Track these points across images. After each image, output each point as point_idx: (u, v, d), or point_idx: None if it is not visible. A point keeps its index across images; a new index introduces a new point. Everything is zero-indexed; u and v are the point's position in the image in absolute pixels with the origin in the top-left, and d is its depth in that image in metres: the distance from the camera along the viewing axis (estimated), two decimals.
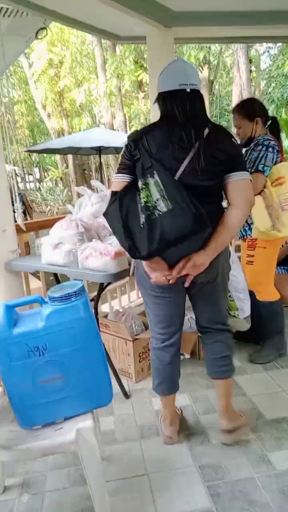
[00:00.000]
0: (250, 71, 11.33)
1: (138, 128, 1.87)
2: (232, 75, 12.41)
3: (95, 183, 2.70)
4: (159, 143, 1.52)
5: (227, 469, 1.68)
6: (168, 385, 1.82)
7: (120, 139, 7.28)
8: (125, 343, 2.38)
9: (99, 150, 7.56)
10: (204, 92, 12.59)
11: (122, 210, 1.48)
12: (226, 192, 1.57)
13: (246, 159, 2.30)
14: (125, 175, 1.56)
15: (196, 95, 1.59)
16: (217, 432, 1.89)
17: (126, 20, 3.28)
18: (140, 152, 1.51)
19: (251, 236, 2.41)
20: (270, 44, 11.48)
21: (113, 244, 2.08)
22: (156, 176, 1.45)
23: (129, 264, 1.91)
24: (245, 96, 10.67)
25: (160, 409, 2.02)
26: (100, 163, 8.71)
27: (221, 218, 1.56)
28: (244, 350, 2.68)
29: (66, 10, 3.31)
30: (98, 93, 13.58)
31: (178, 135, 1.52)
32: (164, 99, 1.59)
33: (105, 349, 2.21)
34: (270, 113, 2.59)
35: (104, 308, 3.40)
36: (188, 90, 1.56)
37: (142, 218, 1.43)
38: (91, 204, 2.35)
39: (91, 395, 1.38)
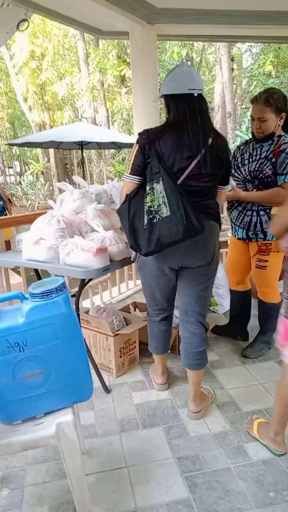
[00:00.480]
0: (232, 69, 11.42)
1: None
2: (214, 72, 12.47)
3: (77, 178, 2.70)
4: (170, 148, 1.67)
5: (205, 460, 1.73)
6: (162, 347, 2.19)
7: (102, 134, 7.25)
8: (106, 339, 2.40)
9: (81, 145, 7.50)
10: None
11: (130, 211, 1.71)
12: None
13: (275, 160, 2.20)
14: (136, 176, 1.74)
15: (203, 100, 1.72)
16: (196, 424, 1.95)
17: (109, 16, 3.27)
18: (152, 156, 1.67)
19: (263, 240, 2.37)
20: (252, 43, 11.59)
21: (95, 240, 2.10)
22: (161, 182, 1.63)
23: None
24: (227, 94, 10.75)
25: (141, 402, 2.15)
26: (82, 157, 8.63)
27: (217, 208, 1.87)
28: (222, 344, 2.75)
29: (48, 2, 3.28)
30: (81, 87, 13.43)
31: (188, 141, 1.67)
32: (174, 102, 1.70)
33: (86, 345, 2.24)
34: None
35: (85, 303, 3.41)
36: (196, 94, 1.67)
37: (145, 220, 1.65)
38: (73, 200, 2.35)
39: (72, 390, 1.39)
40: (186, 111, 1.67)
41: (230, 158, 1.86)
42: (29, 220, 2.49)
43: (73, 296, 2.34)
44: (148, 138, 1.70)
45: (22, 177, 20.43)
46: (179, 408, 2.11)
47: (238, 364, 2.52)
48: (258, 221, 2.34)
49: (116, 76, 11.91)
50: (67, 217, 2.20)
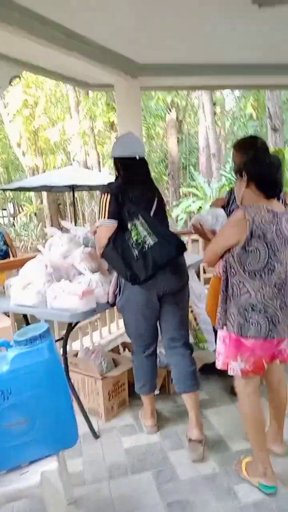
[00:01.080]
0: (215, 112, 12.02)
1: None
2: (199, 115, 13.10)
3: (65, 223, 2.80)
4: (136, 195, 2.03)
5: (195, 504, 1.71)
6: (149, 386, 2.22)
7: (92, 177, 7.51)
8: (94, 382, 2.41)
9: (72, 188, 7.73)
10: (173, 131, 13.21)
11: (117, 250, 1.93)
12: None
13: None
14: (113, 220, 2.00)
15: (144, 162, 2.17)
16: (186, 467, 1.93)
17: (94, 71, 3.51)
18: (125, 201, 1.99)
19: None
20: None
21: (82, 283, 2.16)
22: (140, 218, 1.94)
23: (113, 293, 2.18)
24: (210, 136, 11.26)
25: (130, 446, 2.14)
26: (73, 200, 8.86)
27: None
28: (212, 383, 2.74)
29: (38, 61, 3.53)
30: (72, 132, 13.98)
31: (146, 191, 2.11)
32: (121, 163, 2.09)
33: (73, 389, 2.25)
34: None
35: (75, 345, 3.41)
36: (137, 157, 2.08)
37: (136, 252, 1.89)
38: (61, 244, 2.43)
39: (57, 438, 1.40)
40: (133, 170, 2.09)
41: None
42: (19, 264, 2.56)
43: (61, 339, 2.38)
44: (118, 188, 2.04)
45: (15, 218, 20.71)
46: (169, 451, 2.09)
47: (229, 402, 2.51)
48: None
49: (105, 122, 12.44)
50: (55, 261, 2.27)
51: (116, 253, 1.94)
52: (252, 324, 1.66)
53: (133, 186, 2.05)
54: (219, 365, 1.81)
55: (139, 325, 2.12)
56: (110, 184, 2.11)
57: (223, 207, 2.35)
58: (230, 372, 1.75)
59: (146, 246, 1.90)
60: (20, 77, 4.02)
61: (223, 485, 1.81)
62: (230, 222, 1.76)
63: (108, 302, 2.17)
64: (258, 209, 1.67)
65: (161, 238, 1.91)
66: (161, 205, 2.16)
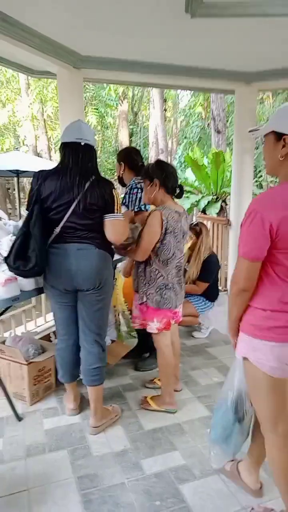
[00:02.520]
0: (165, 109, 12.21)
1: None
2: (149, 110, 13.26)
3: None
4: (54, 188, 1.95)
5: (102, 477, 1.86)
6: (69, 375, 2.31)
7: (38, 164, 7.39)
8: (20, 367, 2.48)
9: (17, 173, 7.56)
10: (124, 124, 13.23)
11: None
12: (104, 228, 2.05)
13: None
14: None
15: (88, 149, 2.03)
16: (99, 445, 2.07)
17: (37, 60, 3.49)
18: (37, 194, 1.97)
19: None
20: None
21: (6, 271, 2.21)
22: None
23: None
24: (159, 132, 11.43)
25: (51, 427, 2.26)
26: (18, 185, 8.68)
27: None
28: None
29: None
30: (22, 115, 13.55)
31: (65, 184, 1.95)
32: (63, 148, 2.04)
33: None
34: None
35: (7, 334, 3.43)
36: (82, 143, 2.00)
37: None
38: None
39: None
40: (70, 155, 1.99)
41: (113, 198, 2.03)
42: None
43: None
44: (37, 179, 1.99)
45: None
46: (86, 431, 2.22)
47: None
48: None
49: (56, 107, 12.20)
50: None
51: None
52: (166, 299, 2.27)
53: (57, 178, 1.97)
54: (136, 326, 2.48)
55: (59, 311, 2.20)
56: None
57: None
58: (148, 330, 2.36)
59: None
60: None
61: (131, 460, 1.98)
62: (153, 223, 2.16)
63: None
64: (169, 210, 2.15)
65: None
66: (88, 205, 1.97)
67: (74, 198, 1.94)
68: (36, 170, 2.10)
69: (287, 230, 1.25)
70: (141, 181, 2.63)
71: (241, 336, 1.43)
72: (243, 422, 1.60)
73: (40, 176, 1.98)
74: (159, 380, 2.58)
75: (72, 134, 2.02)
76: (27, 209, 2.00)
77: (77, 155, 1.99)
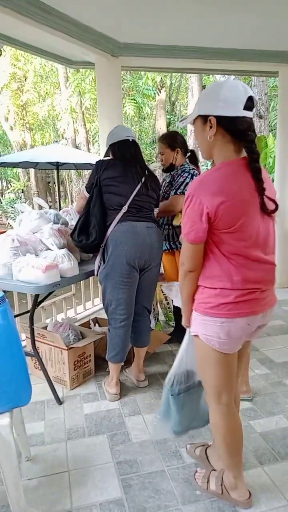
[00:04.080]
0: None
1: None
2: (188, 98, 13.01)
3: (37, 200, 2.86)
4: (118, 174, 2.23)
5: (142, 463, 1.86)
6: (121, 355, 2.39)
7: (77, 156, 7.48)
8: (61, 352, 2.52)
9: (57, 166, 7.70)
10: (162, 113, 13.09)
11: None
12: None
13: (171, 181, 2.78)
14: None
15: (136, 144, 2.37)
16: (138, 431, 2.07)
17: (75, 49, 3.51)
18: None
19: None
20: None
21: (47, 258, 2.25)
22: None
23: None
24: None
25: (91, 412, 2.29)
26: (58, 177, 8.84)
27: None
28: None
29: (19, 36, 3.49)
30: (61, 108, 13.75)
31: (132, 171, 2.27)
32: (116, 147, 2.32)
33: (39, 358, 2.36)
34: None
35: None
36: (131, 140, 2.33)
37: None
38: (30, 220, 2.50)
39: (9, 396, 1.51)
40: (126, 150, 2.31)
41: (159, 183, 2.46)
42: None
43: (27, 312, 2.47)
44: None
45: (3, 195, 20.48)
46: (125, 417, 2.23)
47: None
48: (173, 233, 2.84)
49: (94, 99, 12.29)
50: (23, 236, 2.35)
51: None
52: None
53: (118, 166, 2.28)
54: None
55: (120, 291, 2.26)
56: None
57: None
58: None
59: None
60: (1, 50, 3.96)
61: (171, 448, 1.96)
62: None
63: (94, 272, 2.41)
64: None
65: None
66: (150, 188, 2.33)
67: (138, 182, 2.25)
68: (75, 162, 2.31)
69: (225, 212, 1.29)
70: (195, 168, 2.78)
71: (193, 315, 1.47)
72: (178, 397, 1.64)
73: (102, 164, 2.25)
74: None
75: (120, 134, 2.33)
76: (88, 192, 2.29)
77: (130, 149, 2.31)
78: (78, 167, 8.84)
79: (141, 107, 12.35)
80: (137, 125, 14.77)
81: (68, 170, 14.66)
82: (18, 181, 18.35)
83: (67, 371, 2.52)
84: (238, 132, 1.32)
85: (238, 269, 1.36)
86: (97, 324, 3.16)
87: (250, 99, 1.31)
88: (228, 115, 1.31)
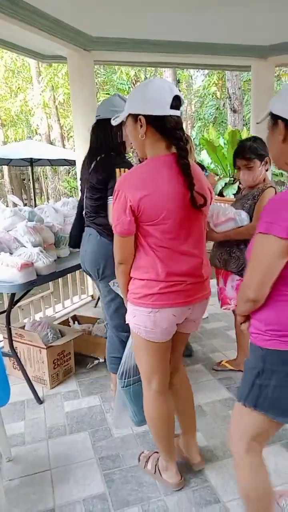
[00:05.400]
0: (179, 90, 11.93)
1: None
2: None
3: (11, 197, 2.81)
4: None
5: (124, 458, 1.87)
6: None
7: (51, 152, 7.37)
8: (39, 351, 2.49)
9: (31, 162, 7.56)
10: None
11: None
12: None
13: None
14: None
15: (99, 124, 1.93)
16: (119, 428, 2.08)
17: (47, 43, 3.44)
18: None
19: None
20: None
21: (22, 256, 2.21)
22: None
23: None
24: None
25: (72, 410, 2.29)
26: (32, 174, 8.68)
27: None
28: None
29: None
30: (34, 103, 13.50)
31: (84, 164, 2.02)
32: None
33: (18, 358, 2.33)
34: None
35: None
36: (95, 120, 1.94)
37: None
38: (4, 218, 2.46)
39: None
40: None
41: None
42: None
43: (3, 312, 2.43)
44: None
45: None
46: (107, 413, 2.23)
47: None
48: None
49: (67, 94, 12.12)
50: None
51: None
52: None
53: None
54: (230, 308, 2.29)
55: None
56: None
57: None
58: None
59: None
60: None
61: (152, 441, 1.96)
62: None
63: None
64: None
65: None
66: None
67: (85, 178, 1.96)
68: (49, 158, 2.10)
69: (147, 205, 1.32)
70: None
71: (127, 305, 1.53)
72: (128, 389, 1.69)
73: None
74: (227, 362, 2.65)
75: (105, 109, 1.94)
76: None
77: (91, 133, 1.97)
78: (53, 163, 8.71)
79: None
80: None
81: (43, 167, 14.43)
82: None
83: (47, 370, 2.50)
84: (166, 130, 1.35)
85: (164, 262, 1.40)
86: (76, 322, 3.14)
87: (176, 98, 1.34)
88: (155, 114, 1.34)
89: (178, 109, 1.36)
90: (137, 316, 1.46)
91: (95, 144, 1.94)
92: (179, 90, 1.86)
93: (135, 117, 1.38)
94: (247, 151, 2.14)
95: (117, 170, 1.83)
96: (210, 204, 1.51)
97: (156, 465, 1.74)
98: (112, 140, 1.91)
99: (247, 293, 1.11)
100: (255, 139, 2.19)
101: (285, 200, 1.08)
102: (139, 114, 1.36)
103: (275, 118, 1.12)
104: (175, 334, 1.55)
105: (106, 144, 1.91)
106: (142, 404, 1.67)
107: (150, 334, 1.46)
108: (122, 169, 1.83)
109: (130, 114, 1.40)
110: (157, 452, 1.78)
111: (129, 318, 1.51)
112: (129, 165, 1.87)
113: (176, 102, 1.34)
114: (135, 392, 1.69)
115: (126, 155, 2.00)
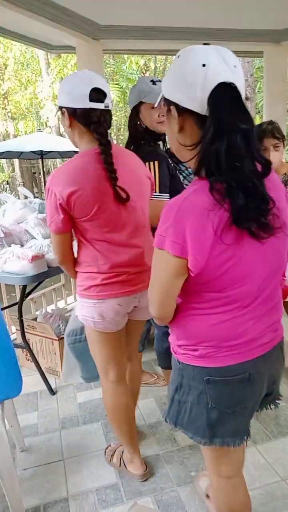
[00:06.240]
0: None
1: None
2: None
3: (22, 190, 2.81)
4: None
5: None
6: None
7: (61, 144, 7.34)
8: (52, 343, 2.51)
9: (41, 155, 7.56)
10: None
11: None
12: None
13: None
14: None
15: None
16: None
17: (55, 32, 3.40)
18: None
19: None
20: None
21: (33, 248, 2.21)
22: None
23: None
24: None
25: (84, 401, 2.29)
26: (42, 167, 8.68)
27: None
28: None
29: None
30: (44, 96, 13.47)
31: None
32: None
33: (30, 349, 2.34)
34: None
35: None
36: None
37: None
38: (14, 210, 2.46)
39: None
40: None
41: None
42: None
43: (15, 304, 2.44)
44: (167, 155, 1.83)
45: None
46: None
47: None
48: None
49: None
50: (7, 226, 2.31)
51: None
52: None
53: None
54: None
55: None
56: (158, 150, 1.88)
57: None
58: None
59: None
60: None
61: (165, 432, 1.98)
62: None
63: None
64: None
65: None
66: None
67: None
68: (60, 150, 2.01)
69: (77, 201, 1.31)
70: None
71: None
72: (74, 346, 1.74)
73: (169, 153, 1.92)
74: None
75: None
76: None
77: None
78: (63, 155, 8.69)
79: (126, 92, 12.16)
80: (121, 110, 14.53)
81: (53, 159, 14.45)
82: (2, 173, 18.03)
83: (59, 361, 2.51)
84: (86, 124, 1.35)
85: (104, 254, 1.41)
86: None
87: (95, 91, 1.32)
88: (74, 107, 1.34)
89: (102, 102, 1.33)
90: (84, 308, 1.48)
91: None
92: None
93: (60, 108, 1.40)
94: (275, 131, 2.10)
95: (147, 164, 1.65)
96: (153, 193, 1.55)
97: (121, 457, 1.75)
98: (137, 128, 1.84)
99: (151, 311, 1.03)
100: (272, 122, 2.17)
101: (182, 207, 0.86)
102: (62, 107, 1.38)
103: (168, 104, 0.93)
104: (129, 322, 1.58)
105: (131, 133, 1.88)
106: (87, 362, 1.69)
107: (99, 325, 1.48)
108: (151, 163, 1.70)
109: (60, 107, 1.41)
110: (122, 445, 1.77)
111: (78, 311, 1.53)
112: (156, 156, 1.74)
113: (98, 95, 1.32)
114: (79, 349, 1.72)
115: (159, 142, 1.88)
